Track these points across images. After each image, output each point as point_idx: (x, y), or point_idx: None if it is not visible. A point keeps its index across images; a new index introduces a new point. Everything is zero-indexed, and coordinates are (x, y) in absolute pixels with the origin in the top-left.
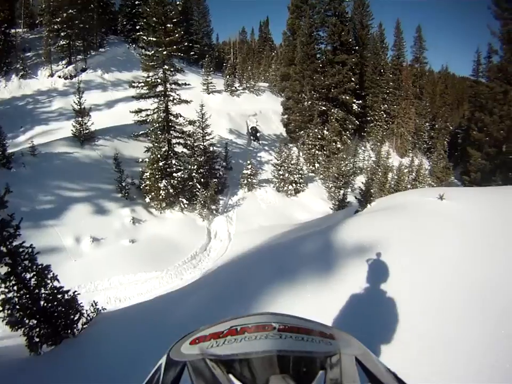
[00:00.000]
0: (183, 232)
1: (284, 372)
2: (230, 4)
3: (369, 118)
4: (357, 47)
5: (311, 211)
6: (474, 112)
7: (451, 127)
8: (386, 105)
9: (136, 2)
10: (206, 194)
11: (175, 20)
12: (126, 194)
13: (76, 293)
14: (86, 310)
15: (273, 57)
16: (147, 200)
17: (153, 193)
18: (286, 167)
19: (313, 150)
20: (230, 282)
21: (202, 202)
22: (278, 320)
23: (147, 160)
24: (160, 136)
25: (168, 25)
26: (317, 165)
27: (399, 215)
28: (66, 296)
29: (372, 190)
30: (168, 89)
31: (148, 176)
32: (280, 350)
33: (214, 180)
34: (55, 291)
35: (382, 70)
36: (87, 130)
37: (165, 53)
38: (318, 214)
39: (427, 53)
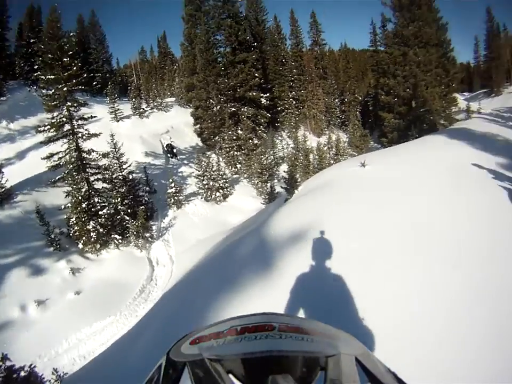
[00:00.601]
0: (124, 268)
1: (284, 372)
2: (125, 26)
3: (279, 108)
4: (255, 44)
5: (243, 211)
6: (378, 79)
7: (360, 98)
8: (293, 92)
9: (32, 41)
10: (136, 224)
11: (71, 53)
12: (58, 246)
13: (32, 366)
14: (49, 381)
15: (176, 70)
16: (80, 246)
17: (84, 238)
18: (209, 176)
19: (231, 152)
20: (175, 308)
21: (135, 233)
22: (278, 320)
23: (70, 205)
24: (76, 177)
25: (65, 59)
26: (238, 165)
27: (325, 192)
28: (23, 373)
29: (297, 176)
30: (75, 126)
31: (75, 221)
32: (280, 350)
33: (141, 207)
34: (9, 372)
35: (283, 60)
36: (3, 189)
37: (65, 89)
38: (251, 212)
39: (324, 34)
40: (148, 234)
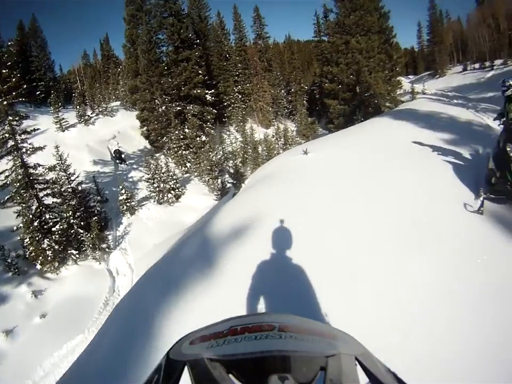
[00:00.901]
0: (85, 283)
1: (284, 372)
2: (67, 30)
3: (225, 103)
4: (198, 41)
5: (197, 210)
6: (323, 68)
7: (306, 87)
8: (239, 86)
9: None
10: (91, 236)
11: (9, 64)
12: (16, 270)
13: None
14: None
15: (120, 73)
16: (38, 267)
17: (41, 258)
18: (159, 178)
19: (180, 152)
20: (125, 318)
21: (91, 245)
22: (278, 320)
23: (21, 225)
24: (25, 194)
25: (4, 71)
26: (188, 164)
27: (267, 184)
28: None
29: (247, 169)
30: (19, 141)
31: (29, 242)
32: (280, 349)
33: (94, 218)
34: None
35: (227, 55)
36: None
37: (5, 103)
38: (205, 209)
39: (269, 27)
40: (104, 245)
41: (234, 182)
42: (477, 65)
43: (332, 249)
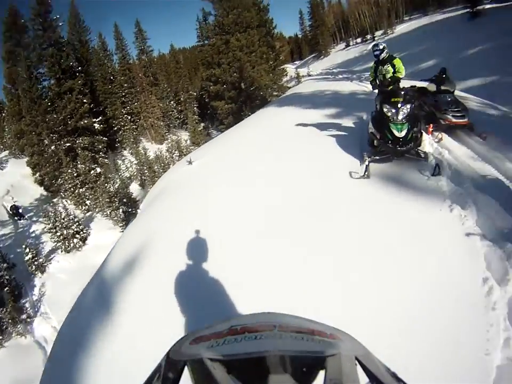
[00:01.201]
0: (19, 365)
1: (284, 372)
2: None
3: (116, 128)
4: (80, 68)
5: (106, 247)
6: (207, 71)
7: (195, 93)
8: (127, 107)
9: None
10: (7, 310)
11: None
12: None
13: None
14: None
15: (4, 118)
16: None
17: None
18: (60, 225)
19: (76, 191)
20: None
21: (10, 321)
22: (278, 319)
23: None
24: None
25: None
26: (88, 201)
27: (156, 204)
28: None
29: (148, 189)
30: None
31: None
32: (280, 349)
33: (6, 289)
34: None
35: (112, 77)
36: None
37: None
38: (113, 244)
39: (153, 40)
40: (24, 316)
41: (130, 210)
42: (359, 40)
43: (226, 249)
